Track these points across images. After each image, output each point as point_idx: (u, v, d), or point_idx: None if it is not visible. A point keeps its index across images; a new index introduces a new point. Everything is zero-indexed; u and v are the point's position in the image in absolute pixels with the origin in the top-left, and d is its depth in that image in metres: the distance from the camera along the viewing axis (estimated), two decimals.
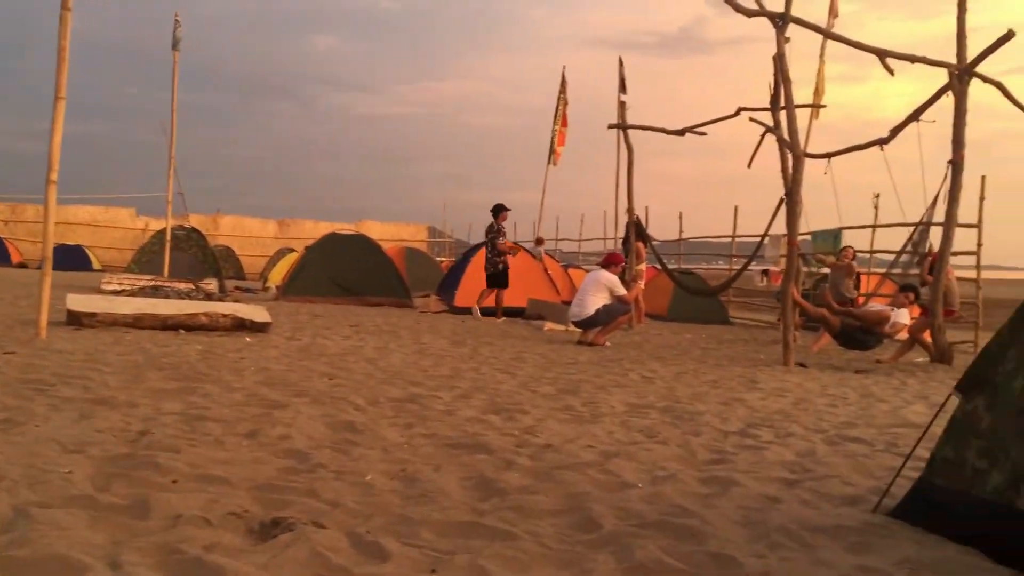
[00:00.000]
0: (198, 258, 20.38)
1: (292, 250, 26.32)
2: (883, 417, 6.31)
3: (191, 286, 15.04)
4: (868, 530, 3.23)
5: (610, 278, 11.46)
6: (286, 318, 12.53)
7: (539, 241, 20.48)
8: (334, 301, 16.71)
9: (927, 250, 12.03)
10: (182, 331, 9.59)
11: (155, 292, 14.09)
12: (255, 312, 10.33)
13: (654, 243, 16.19)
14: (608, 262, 11.90)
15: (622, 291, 11.53)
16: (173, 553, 2.61)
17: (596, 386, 7.24)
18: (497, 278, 15.35)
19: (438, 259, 30.21)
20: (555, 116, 24.37)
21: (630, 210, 14.91)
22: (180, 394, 5.64)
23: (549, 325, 13.44)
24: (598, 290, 11.35)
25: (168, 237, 18.29)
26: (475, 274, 16.34)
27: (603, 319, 11.27)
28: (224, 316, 9.95)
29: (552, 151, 24.42)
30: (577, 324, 11.69)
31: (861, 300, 13.22)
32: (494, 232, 15.49)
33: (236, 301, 13.63)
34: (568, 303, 13.02)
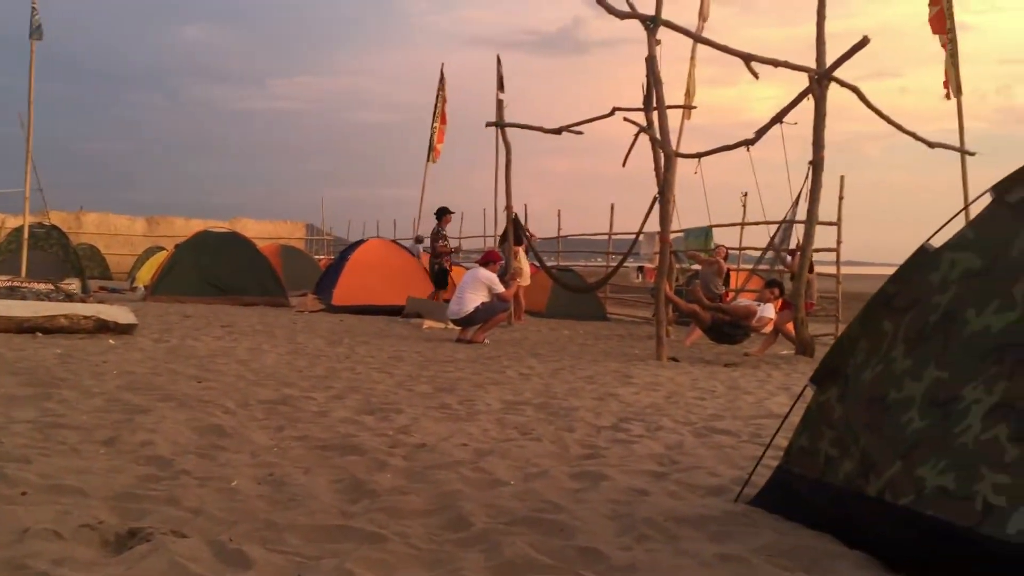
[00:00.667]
0: (59, 257, 19.38)
1: (162, 248, 25.36)
2: (748, 409, 6.53)
3: (50, 287, 14.29)
4: (730, 519, 3.33)
5: (488, 276, 11.50)
6: (154, 319, 12.09)
7: (417, 239, 20.39)
8: (206, 301, 16.21)
9: (793, 246, 12.51)
10: (39, 334, 9.12)
11: (11, 293, 13.32)
12: (120, 313, 9.91)
13: (533, 240, 16.32)
14: (487, 260, 11.95)
15: (500, 288, 11.58)
16: (18, 570, 2.48)
17: (473, 384, 7.26)
18: (436, 279, 15.94)
19: (316, 257, 29.71)
20: (434, 113, 24.32)
21: (508, 207, 14.99)
22: (34, 400, 5.36)
23: (428, 323, 13.40)
24: (477, 288, 11.37)
25: (26, 235, 17.33)
26: (354, 272, 16.16)
27: (482, 317, 11.31)
28: (86, 318, 9.51)
29: (431, 148, 24.35)
30: (456, 322, 11.69)
31: (729, 296, 13.66)
32: (434, 235, 16.01)
33: (100, 302, 13.04)
34: (448, 301, 13.00)
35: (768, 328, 11.64)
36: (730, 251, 15.26)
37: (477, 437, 4.94)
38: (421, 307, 14.64)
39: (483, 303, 11.28)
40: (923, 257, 3.22)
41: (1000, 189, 3.03)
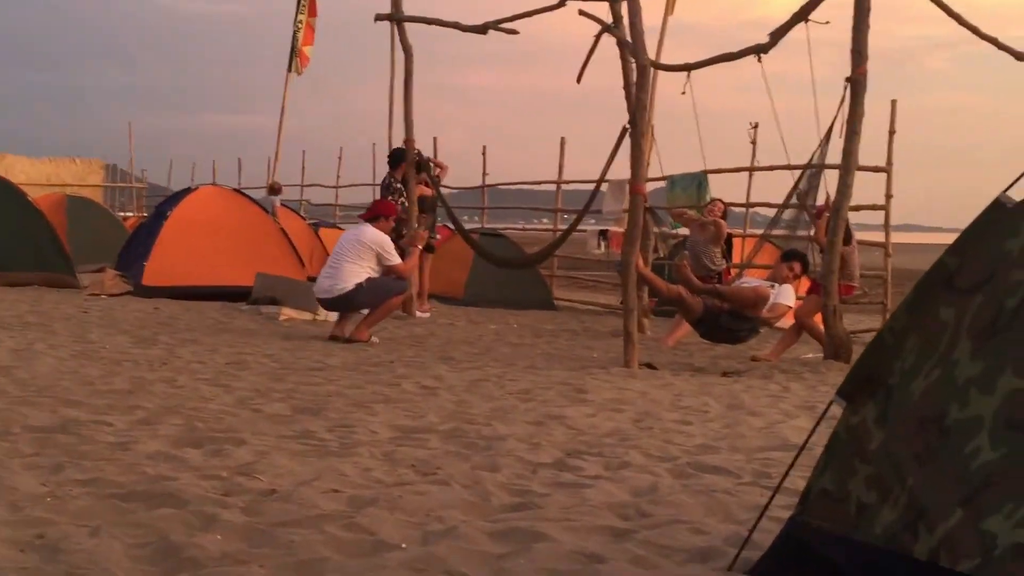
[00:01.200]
0: None
1: None
2: (755, 437, 6.63)
3: None
4: None
5: (377, 237, 11.23)
6: None
7: (273, 189, 20.26)
8: None
9: (822, 202, 12.68)
10: None
11: None
12: None
13: (444, 191, 16.30)
14: (376, 214, 11.62)
15: (395, 259, 11.39)
16: None
17: (352, 402, 7.24)
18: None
19: (120, 215, 29.27)
20: (299, 4, 24.07)
21: (409, 141, 14.94)
22: None
23: (287, 312, 13.32)
24: (360, 255, 11.12)
25: None
26: (177, 236, 15.95)
27: (367, 299, 11.19)
28: None
29: (295, 53, 24.16)
30: (327, 305, 11.61)
31: (732, 273, 13.84)
32: (386, 188, 15.41)
33: None
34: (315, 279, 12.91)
35: (786, 321, 11.83)
36: (732, 208, 15.46)
37: (354, 480, 4.93)
38: (277, 289, 14.53)
39: (368, 279, 11.14)
40: (998, 216, 3.28)
41: None
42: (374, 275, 11.22)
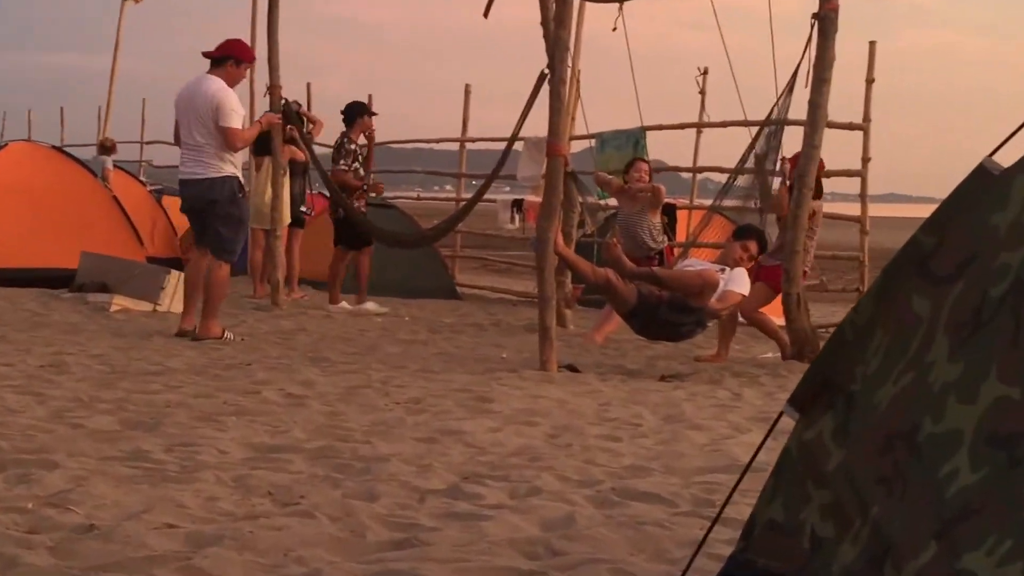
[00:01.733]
0: None
1: None
2: (696, 456, 6.67)
3: None
4: None
5: (218, 92, 11.24)
6: None
7: (104, 147, 20.01)
8: None
9: (783, 162, 12.76)
10: None
11: None
12: None
13: (319, 150, 16.24)
14: (226, 54, 11.58)
15: (235, 122, 11.20)
16: None
17: (197, 415, 7.23)
18: (344, 233, 15.28)
19: None
20: None
21: (274, 87, 14.86)
22: None
23: (120, 302, 13.20)
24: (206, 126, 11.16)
25: None
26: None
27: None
28: None
29: None
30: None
31: (675, 253, 13.92)
32: (338, 150, 15.33)
33: None
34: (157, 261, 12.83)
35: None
36: (678, 173, 15.54)
37: (195, 512, 4.91)
38: (108, 273, 14.40)
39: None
40: (983, 185, 3.32)
41: None
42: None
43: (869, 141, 13.98)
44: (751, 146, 12.94)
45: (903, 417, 3.24)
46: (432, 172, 26.24)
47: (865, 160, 14.07)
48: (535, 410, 8.02)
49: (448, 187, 23.87)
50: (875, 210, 15.08)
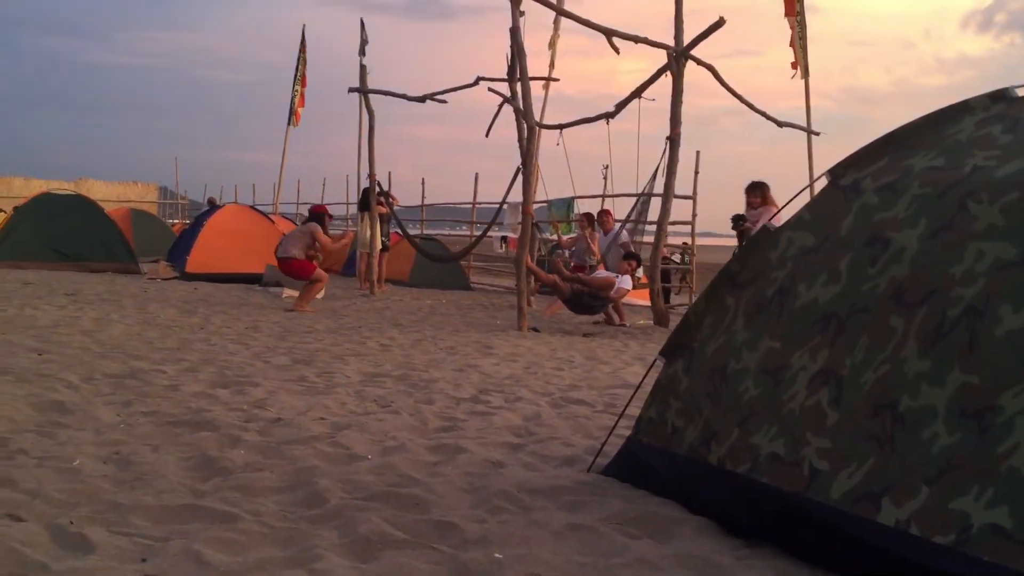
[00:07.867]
0: None
1: (0, 211, 23.88)
2: (604, 379, 6.70)
3: None
4: (582, 489, 3.43)
5: (311, 226, 11.67)
6: None
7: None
8: (49, 267, 15.38)
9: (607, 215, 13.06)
10: None
11: None
12: None
13: (396, 209, 16.17)
14: (315, 212, 12.34)
15: (323, 239, 11.64)
16: None
17: (333, 355, 7.18)
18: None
19: (169, 222, 28.59)
20: (295, 76, 23.72)
21: (372, 175, 14.83)
22: None
23: (287, 292, 13.13)
24: (298, 238, 11.58)
25: None
26: (210, 238, 15.66)
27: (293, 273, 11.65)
28: None
29: (292, 111, 23.77)
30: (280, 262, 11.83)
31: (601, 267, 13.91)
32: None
33: None
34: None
35: (631, 299, 11.97)
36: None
37: (335, 411, 4.91)
38: (281, 275, 14.31)
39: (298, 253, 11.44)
40: (765, 236, 3.39)
41: (835, 173, 3.23)
42: (304, 253, 11.44)
43: (696, 204, 13.99)
44: (633, 207, 12.98)
45: (719, 360, 3.27)
46: (456, 220, 26.15)
47: (694, 215, 14.05)
48: (517, 354, 8.03)
49: (464, 228, 23.70)
50: (699, 241, 15.08)
